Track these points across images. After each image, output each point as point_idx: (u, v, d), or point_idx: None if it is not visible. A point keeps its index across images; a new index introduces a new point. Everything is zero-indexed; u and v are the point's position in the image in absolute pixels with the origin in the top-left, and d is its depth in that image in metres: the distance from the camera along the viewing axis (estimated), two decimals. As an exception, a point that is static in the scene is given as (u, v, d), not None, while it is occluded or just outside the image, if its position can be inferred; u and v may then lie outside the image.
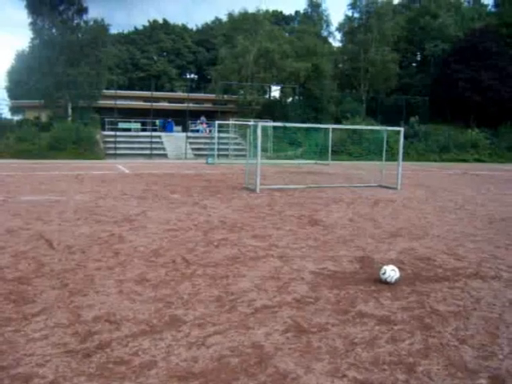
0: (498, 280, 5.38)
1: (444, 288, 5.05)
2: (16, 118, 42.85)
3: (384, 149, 15.96)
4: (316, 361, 3.37)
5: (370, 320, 4.12)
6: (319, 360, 3.38)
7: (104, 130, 33.69)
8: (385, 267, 5.15)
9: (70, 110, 33.38)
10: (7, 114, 46.19)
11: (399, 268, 5.26)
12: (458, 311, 4.38)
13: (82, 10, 33.40)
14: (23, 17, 76.04)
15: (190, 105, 36.30)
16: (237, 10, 43.57)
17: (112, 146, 29.72)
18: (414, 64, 51.43)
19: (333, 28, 50.65)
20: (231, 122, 32.45)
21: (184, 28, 65.95)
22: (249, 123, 24.56)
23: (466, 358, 3.45)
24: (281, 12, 65.59)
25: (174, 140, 32.75)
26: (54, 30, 33.13)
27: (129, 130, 36.20)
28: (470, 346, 3.66)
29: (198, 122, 37.96)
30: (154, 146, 30.34)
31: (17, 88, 44.28)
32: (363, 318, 4.16)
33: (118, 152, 29.08)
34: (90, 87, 32.75)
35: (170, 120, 38.46)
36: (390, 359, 3.41)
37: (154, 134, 32.40)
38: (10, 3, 73.73)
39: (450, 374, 3.23)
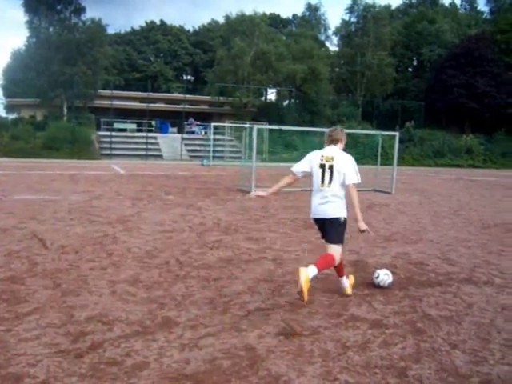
0: (490, 285, 5.41)
1: (436, 293, 5.06)
2: (11, 116, 42.73)
3: (379, 153, 16.00)
4: (308, 364, 3.37)
5: (363, 324, 4.13)
6: (311, 363, 3.38)
7: (99, 130, 33.60)
8: (378, 271, 5.17)
9: (65, 110, 33.26)
10: (2, 113, 46.11)
11: (392, 272, 5.28)
12: (450, 316, 4.40)
13: (80, 10, 33.28)
14: (19, 15, 75.77)
15: (187, 106, 36.23)
16: (234, 12, 43.64)
17: (107, 146, 29.67)
18: (410, 69, 51.61)
19: (330, 32, 50.90)
20: (227, 124, 32.42)
21: (181, 29, 65.78)
22: (244, 125, 24.55)
23: (458, 363, 3.47)
24: (278, 15, 65.57)
25: (170, 141, 32.72)
26: (50, 29, 33.01)
27: (124, 130, 36.08)
28: (461, 350, 3.67)
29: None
30: (149, 146, 30.28)
31: (12, 86, 44.10)
32: (356, 322, 4.17)
33: (114, 152, 29.04)
34: (85, 87, 32.64)
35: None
36: (382, 363, 3.42)
37: (150, 134, 32.33)
38: (5, 1, 73.47)
39: (441, 378, 3.24)
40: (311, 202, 4.76)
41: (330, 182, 4.52)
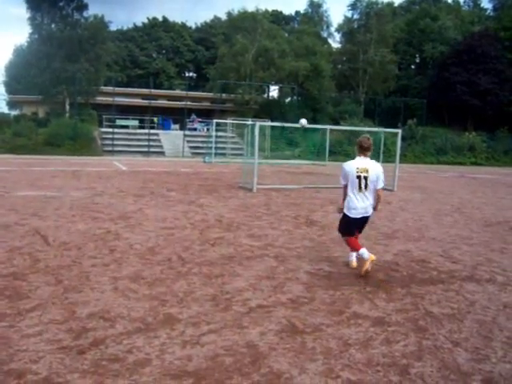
0: (492, 283, 5.40)
1: (439, 290, 5.06)
2: (13, 112, 42.77)
3: (381, 150, 15.97)
4: (310, 361, 3.37)
5: (365, 321, 4.13)
6: (313, 360, 3.38)
7: (101, 126, 33.57)
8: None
9: (67, 106, 33.25)
10: (4, 109, 46.15)
11: (395, 270, 5.27)
12: (452, 314, 4.39)
13: (82, 7, 33.27)
14: (22, 12, 75.77)
15: (188, 103, 36.21)
16: (236, 9, 43.63)
17: (109, 142, 29.65)
18: (412, 66, 51.48)
19: (332, 29, 50.82)
20: (229, 121, 32.38)
21: (183, 26, 65.73)
22: (247, 122, 24.51)
23: (460, 361, 3.46)
24: (281, 12, 65.44)
25: (172, 138, 32.69)
26: (53, 26, 33.00)
27: (126, 127, 36.03)
28: (463, 348, 3.67)
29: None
30: (151, 143, 30.27)
31: (14, 83, 44.16)
32: (358, 319, 4.16)
33: (116, 149, 29.00)
34: (88, 83, 32.64)
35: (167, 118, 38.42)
36: (384, 361, 3.42)
37: (152, 131, 32.30)
38: (8, -2, 73.41)
39: (444, 376, 3.24)
40: (352, 204, 5.69)
41: (366, 187, 5.61)
